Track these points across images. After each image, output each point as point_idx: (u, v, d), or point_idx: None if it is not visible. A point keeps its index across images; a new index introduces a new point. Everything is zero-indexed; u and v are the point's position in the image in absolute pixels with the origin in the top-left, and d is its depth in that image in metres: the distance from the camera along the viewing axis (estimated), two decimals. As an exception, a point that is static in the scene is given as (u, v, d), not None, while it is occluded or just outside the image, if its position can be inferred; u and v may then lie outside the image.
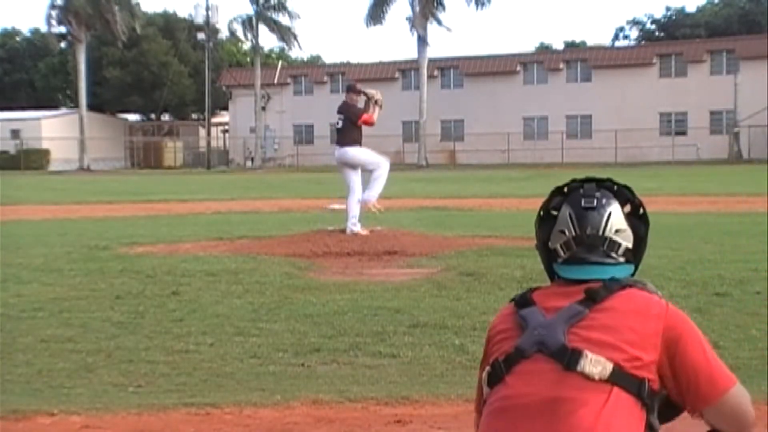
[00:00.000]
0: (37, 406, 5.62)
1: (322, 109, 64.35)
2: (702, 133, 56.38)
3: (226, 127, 72.17)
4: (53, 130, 65.16)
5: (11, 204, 25.25)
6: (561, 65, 61.92)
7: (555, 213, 2.49)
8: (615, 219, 2.43)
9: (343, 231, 13.28)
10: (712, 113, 57.22)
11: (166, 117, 78.03)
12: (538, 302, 2.38)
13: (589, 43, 79.56)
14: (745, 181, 30.52)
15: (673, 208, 18.97)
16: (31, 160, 62.11)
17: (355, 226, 13.28)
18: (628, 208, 2.48)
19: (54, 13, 62.94)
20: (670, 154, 53.80)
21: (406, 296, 9.20)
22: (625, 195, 2.49)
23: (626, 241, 2.45)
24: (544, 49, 78.55)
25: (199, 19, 66.41)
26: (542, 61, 63.39)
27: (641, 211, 2.50)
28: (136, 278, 10.48)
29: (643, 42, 74.19)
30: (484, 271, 10.56)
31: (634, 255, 2.47)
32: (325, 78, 67.01)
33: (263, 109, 64.09)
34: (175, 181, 44.04)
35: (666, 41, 67.99)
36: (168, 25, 74.96)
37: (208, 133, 66.09)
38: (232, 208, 23.11)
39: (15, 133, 64.35)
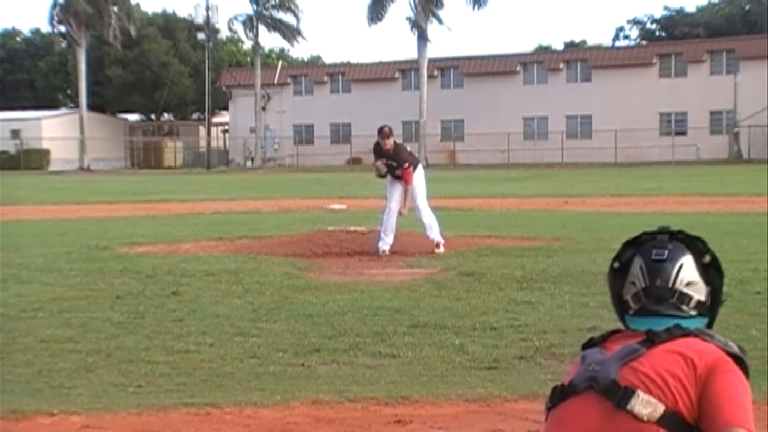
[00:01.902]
0: (37, 406, 5.61)
1: (322, 109, 64.44)
2: (702, 133, 56.35)
3: (226, 127, 72.17)
4: (53, 130, 65.16)
5: (11, 204, 25.25)
6: (561, 65, 61.91)
7: (626, 265, 2.47)
8: (686, 271, 2.40)
9: (347, 231, 13.30)
10: (712, 113, 57.21)
11: (166, 117, 78.02)
12: (604, 344, 2.38)
13: (589, 43, 79.55)
14: (745, 181, 30.52)
15: (673, 208, 18.98)
16: (31, 160, 62.11)
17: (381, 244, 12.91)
18: (708, 259, 2.44)
19: (56, 13, 62.96)
20: (670, 154, 53.78)
21: (406, 296, 9.20)
22: (698, 247, 2.45)
23: (698, 293, 2.41)
24: (544, 49, 78.49)
25: (199, 19, 66.39)
26: (542, 61, 63.37)
27: (716, 263, 2.46)
28: (136, 278, 10.49)
29: (643, 42, 74.18)
30: (484, 271, 10.57)
31: (709, 308, 2.44)
32: (325, 78, 66.98)
33: (263, 109, 64.07)
34: (175, 181, 44.03)
35: (666, 41, 67.99)
36: (168, 25, 74.94)
37: (208, 133, 66.07)
38: (232, 208, 23.11)
39: (15, 133, 64.33)
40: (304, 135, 65.58)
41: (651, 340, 2.30)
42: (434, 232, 12.89)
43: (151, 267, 11.30)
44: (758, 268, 10.26)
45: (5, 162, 60.82)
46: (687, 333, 2.32)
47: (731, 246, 12.62)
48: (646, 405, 2.20)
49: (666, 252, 2.41)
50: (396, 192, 12.93)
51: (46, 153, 64.33)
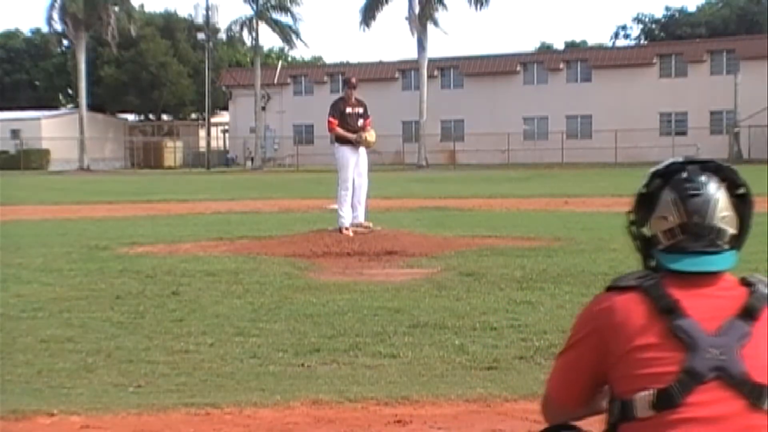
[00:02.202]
0: (37, 406, 5.61)
1: (322, 109, 63.89)
2: (702, 133, 56.34)
3: (226, 127, 72.16)
4: (53, 130, 65.17)
5: (11, 204, 25.24)
6: (561, 65, 61.93)
7: (655, 196, 2.36)
8: (722, 205, 2.32)
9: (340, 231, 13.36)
10: (712, 113, 57.22)
11: (165, 117, 78.01)
12: (685, 307, 2.23)
13: (590, 43, 79.59)
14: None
15: (673, 208, 18.92)
16: (31, 160, 62.12)
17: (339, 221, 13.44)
18: (728, 185, 2.36)
19: (55, 14, 62.96)
20: (670, 154, 52.19)
21: (406, 296, 9.19)
22: (730, 177, 2.37)
23: (731, 227, 2.35)
24: (544, 49, 78.54)
25: (199, 19, 66.42)
26: (542, 61, 63.39)
27: (745, 192, 2.38)
28: (136, 278, 10.49)
29: (643, 41, 74.21)
30: (484, 271, 10.57)
31: (738, 240, 2.39)
32: (325, 78, 67.01)
33: (263, 109, 64.07)
34: (175, 181, 44.04)
35: (666, 41, 68.02)
36: (168, 25, 74.94)
37: (208, 133, 66.09)
38: (232, 208, 23.11)
39: (15, 133, 64.34)
40: (304, 135, 65.58)
41: (750, 314, 2.23)
42: (361, 214, 13.47)
43: (151, 267, 11.30)
44: (758, 268, 10.24)
45: (5, 162, 60.82)
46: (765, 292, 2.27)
47: (731, 246, 12.62)
48: None
49: (700, 185, 2.31)
50: (352, 162, 13.31)
51: (46, 153, 64.34)
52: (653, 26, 77.65)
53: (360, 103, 13.54)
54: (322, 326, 7.87)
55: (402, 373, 6.43)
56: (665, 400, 2.16)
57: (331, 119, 13.40)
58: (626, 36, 79.82)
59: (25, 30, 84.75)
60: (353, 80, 13.85)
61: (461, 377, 6.29)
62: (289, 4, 62.30)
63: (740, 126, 54.41)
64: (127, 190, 33.71)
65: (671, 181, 2.34)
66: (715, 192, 2.32)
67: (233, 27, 64.29)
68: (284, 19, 62.88)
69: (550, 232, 15.18)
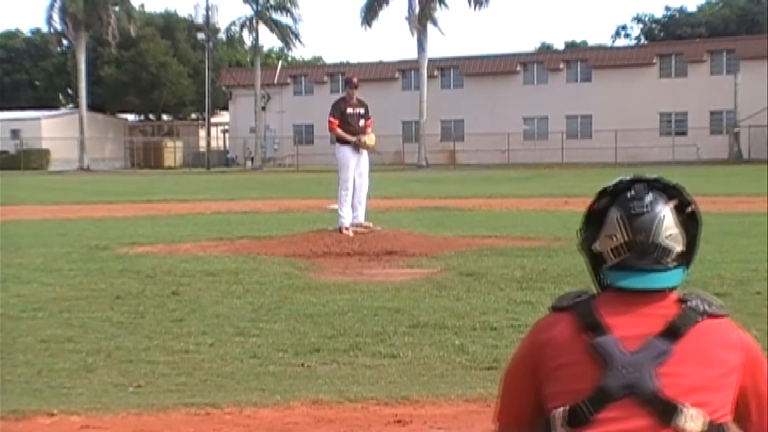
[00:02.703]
0: (37, 406, 5.61)
1: (322, 109, 63.95)
2: (702, 133, 56.36)
3: (226, 127, 72.17)
4: (53, 130, 65.16)
5: (11, 204, 25.24)
6: (561, 65, 61.92)
7: (602, 214, 2.37)
8: (667, 223, 2.32)
9: (339, 230, 13.35)
10: (712, 113, 57.22)
11: (165, 117, 78.01)
12: (610, 325, 2.25)
13: (590, 43, 79.61)
14: (745, 181, 30.51)
15: (673, 208, 18.94)
16: (31, 160, 62.10)
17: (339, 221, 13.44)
18: (676, 203, 2.36)
19: (54, 14, 62.98)
20: (670, 154, 53.76)
21: (406, 296, 9.19)
22: (675, 194, 2.38)
23: (678, 244, 2.34)
24: (544, 49, 78.55)
25: (199, 19, 66.41)
26: (542, 61, 63.39)
27: (692, 210, 2.39)
28: (136, 278, 10.49)
29: (643, 41, 74.22)
30: (484, 271, 10.57)
31: (686, 257, 2.38)
32: (325, 78, 67.01)
33: (263, 109, 64.07)
34: (175, 181, 44.04)
35: (666, 41, 68.02)
36: (168, 25, 74.95)
37: (208, 133, 66.09)
38: (232, 208, 23.11)
39: (15, 133, 64.33)
40: (304, 135, 65.57)
41: (673, 333, 2.23)
42: (362, 214, 13.47)
43: (151, 267, 11.30)
44: (758, 268, 10.26)
45: (5, 162, 60.80)
46: (699, 314, 2.26)
47: (731, 246, 12.63)
48: (694, 420, 2.15)
49: (645, 204, 2.33)
50: (352, 163, 13.29)
51: (46, 153, 64.33)
52: (653, 26, 77.65)
53: (361, 104, 13.53)
54: (322, 326, 7.87)
55: (402, 373, 6.43)
56: (576, 417, 2.18)
57: (332, 119, 13.38)
58: (626, 36, 79.89)
59: (25, 30, 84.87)
60: (354, 80, 13.82)
61: (461, 377, 6.29)
62: (288, 5, 62.32)
63: (740, 126, 54.40)
64: (127, 190, 33.71)
65: (618, 199, 2.37)
66: (661, 210, 2.33)
67: (233, 27, 64.37)
68: (284, 19, 62.94)
69: (550, 232, 15.17)
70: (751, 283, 9.35)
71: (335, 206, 14.28)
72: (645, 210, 2.32)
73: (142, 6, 67.70)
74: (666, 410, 2.15)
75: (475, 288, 9.55)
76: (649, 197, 2.34)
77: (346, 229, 13.22)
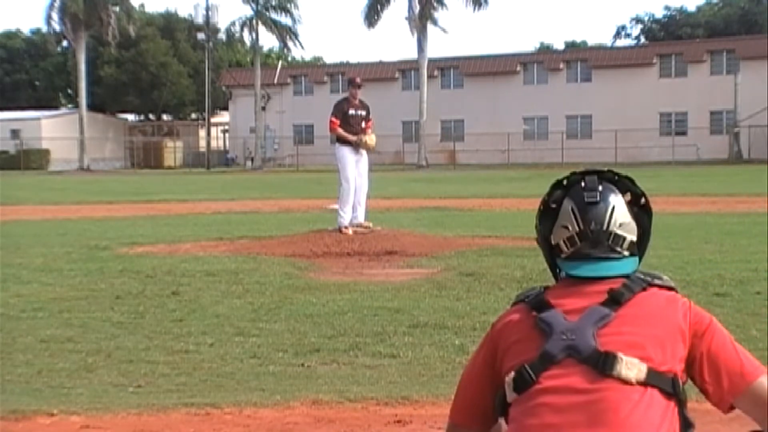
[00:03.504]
0: (37, 406, 5.61)
1: (322, 109, 64.08)
2: (702, 133, 56.37)
3: (226, 127, 72.17)
4: (53, 130, 65.17)
5: (11, 204, 25.24)
6: (561, 65, 61.93)
7: (556, 207, 2.45)
8: (619, 212, 2.39)
9: (339, 231, 13.34)
10: (712, 113, 57.23)
11: (165, 117, 78.01)
12: (556, 305, 2.33)
13: (590, 43, 79.60)
14: (745, 181, 30.51)
15: (673, 208, 18.95)
16: (31, 160, 62.12)
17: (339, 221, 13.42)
18: (629, 197, 2.44)
19: (54, 14, 62.99)
20: (670, 154, 53.78)
21: (406, 296, 9.19)
22: (627, 186, 2.45)
23: (630, 234, 2.40)
24: (544, 49, 78.55)
25: (199, 19, 66.41)
26: (542, 61, 63.40)
27: (644, 201, 2.46)
28: (136, 278, 10.48)
29: (643, 41, 74.21)
30: (484, 271, 10.56)
31: (639, 247, 2.44)
32: (325, 78, 67.03)
33: (263, 109, 64.08)
34: (175, 181, 44.03)
35: (666, 41, 68.01)
36: (168, 25, 74.95)
37: (208, 133, 66.11)
38: (232, 208, 23.11)
39: (15, 133, 64.35)
40: (304, 135, 65.60)
41: (616, 300, 2.28)
42: (361, 214, 13.46)
43: (151, 267, 11.29)
44: (758, 268, 10.25)
45: (5, 162, 60.82)
46: (644, 284, 2.32)
47: (731, 246, 12.63)
48: (630, 367, 2.19)
49: (597, 194, 2.39)
50: (352, 162, 13.30)
51: (45, 153, 64.33)
52: (653, 26, 77.64)
53: (363, 105, 13.54)
54: (322, 326, 7.87)
55: (402, 373, 6.43)
56: (523, 381, 2.26)
57: (333, 119, 13.39)
58: (626, 36, 79.89)
59: (25, 30, 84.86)
60: (357, 80, 13.83)
61: (461, 377, 6.28)
62: (288, 4, 62.31)
63: (740, 126, 54.40)
64: (127, 190, 33.71)
65: (570, 191, 2.44)
66: (613, 200, 2.40)
67: (233, 27, 64.37)
68: (284, 19, 62.94)
69: (550, 232, 15.15)
70: (751, 283, 9.34)
71: (335, 206, 14.29)
72: (597, 199, 2.39)
73: (142, 6, 67.74)
74: (604, 361, 2.20)
75: (475, 288, 9.55)
76: (600, 188, 2.41)
77: (346, 228, 13.23)
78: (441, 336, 7.43)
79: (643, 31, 78.60)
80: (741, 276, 9.73)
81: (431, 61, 59.08)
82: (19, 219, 20.16)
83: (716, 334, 2.31)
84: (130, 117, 75.99)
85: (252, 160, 62.70)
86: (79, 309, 8.76)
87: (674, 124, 58.40)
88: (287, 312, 8.51)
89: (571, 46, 78.70)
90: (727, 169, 44.05)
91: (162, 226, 17.96)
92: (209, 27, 64.89)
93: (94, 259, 12.27)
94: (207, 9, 65.34)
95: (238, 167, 63.92)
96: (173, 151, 69.21)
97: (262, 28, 62.73)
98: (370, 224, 13.65)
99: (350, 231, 13.20)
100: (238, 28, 63.76)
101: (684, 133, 57.26)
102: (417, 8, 56.63)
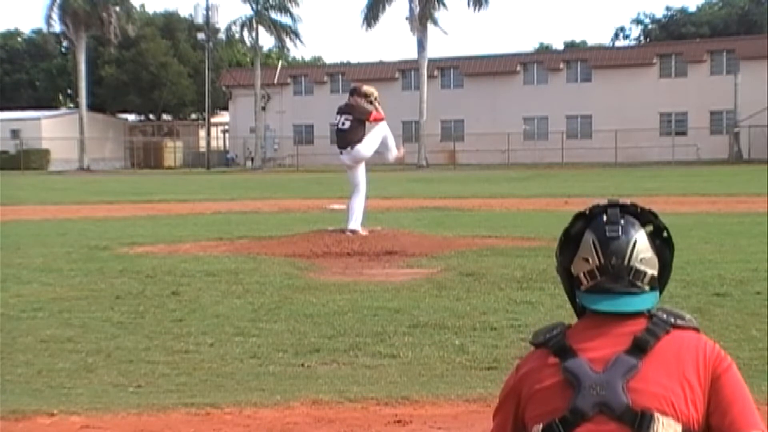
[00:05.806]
0: (37, 406, 5.61)
1: (322, 109, 64.35)
2: (702, 133, 56.35)
3: (226, 127, 72.17)
4: (53, 130, 65.15)
5: (11, 204, 25.24)
6: (561, 65, 61.91)
7: (577, 238, 2.43)
8: (640, 247, 2.37)
9: (343, 231, 13.24)
10: (712, 113, 57.21)
11: (165, 117, 78.00)
12: (579, 350, 2.30)
13: (590, 43, 79.61)
14: (745, 181, 30.51)
15: (673, 208, 18.95)
16: (31, 160, 62.08)
17: (357, 225, 13.23)
18: (650, 228, 2.42)
19: (54, 14, 62.97)
20: (670, 154, 53.77)
21: (406, 296, 9.19)
22: (649, 219, 2.43)
23: (651, 268, 2.39)
24: (544, 49, 78.54)
25: (199, 19, 66.41)
26: (542, 61, 63.38)
27: (666, 234, 2.44)
28: (136, 278, 10.49)
29: (643, 41, 74.22)
30: (484, 271, 10.56)
31: (659, 281, 2.42)
32: (325, 78, 67.02)
33: (263, 109, 64.06)
34: (175, 181, 44.03)
35: (666, 41, 67.99)
36: (168, 25, 74.95)
37: (208, 133, 66.10)
38: (232, 208, 23.11)
39: (15, 133, 64.32)
40: (304, 135, 65.58)
41: (641, 348, 2.26)
42: (355, 222, 13.24)
43: (151, 267, 11.29)
44: (758, 268, 10.26)
45: (5, 162, 60.80)
46: (667, 326, 2.30)
47: (731, 246, 12.64)
48: (667, 427, 2.18)
49: (619, 228, 2.37)
50: (358, 173, 13.15)
51: (46, 153, 64.30)
52: (653, 26, 77.64)
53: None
54: (322, 326, 7.87)
55: (402, 373, 6.43)
56: None
57: (375, 113, 12.99)
58: (626, 36, 79.87)
59: (25, 30, 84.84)
60: (362, 89, 13.35)
61: (461, 377, 6.29)
62: (288, 4, 62.32)
63: (740, 126, 54.39)
64: (127, 190, 33.71)
65: (592, 223, 2.42)
66: (635, 234, 2.38)
67: (233, 27, 64.36)
68: (284, 19, 62.94)
69: (550, 232, 15.15)
70: (751, 283, 9.35)
71: (336, 206, 14.27)
72: (619, 234, 2.37)
73: (143, 6, 67.73)
74: (640, 421, 2.18)
75: (475, 288, 9.55)
76: (623, 221, 2.39)
77: (362, 230, 13.21)
78: (441, 336, 7.44)
79: (643, 31, 78.59)
80: (741, 276, 9.73)
81: (431, 61, 59.07)
82: (19, 219, 20.16)
83: (733, 378, 2.30)
84: (131, 117, 75.95)
85: (252, 160, 62.69)
86: (79, 309, 8.76)
87: (674, 124, 58.38)
88: (287, 312, 8.51)
89: (570, 46, 78.68)
90: (727, 169, 44.03)
91: (162, 226, 17.96)
92: (209, 27, 64.89)
93: (94, 259, 12.27)
94: (207, 9, 65.33)
95: (238, 167, 63.91)
96: (173, 151, 69.18)
97: (262, 28, 62.74)
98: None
99: (366, 232, 13.20)
100: (238, 28, 63.86)
101: (684, 133, 57.23)
102: (417, 8, 56.63)
